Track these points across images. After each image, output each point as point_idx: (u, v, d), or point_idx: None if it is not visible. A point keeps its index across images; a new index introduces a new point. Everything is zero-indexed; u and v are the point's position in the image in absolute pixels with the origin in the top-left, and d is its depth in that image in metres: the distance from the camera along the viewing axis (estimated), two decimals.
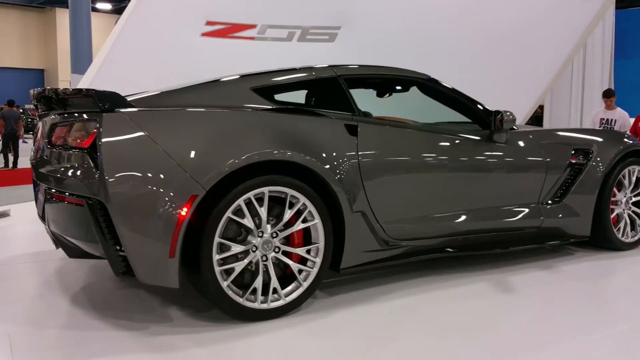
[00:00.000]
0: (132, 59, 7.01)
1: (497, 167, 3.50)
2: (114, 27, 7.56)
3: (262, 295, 2.63)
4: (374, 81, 3.67)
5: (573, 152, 3.84)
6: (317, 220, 2.74)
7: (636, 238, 4.14)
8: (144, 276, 2.43)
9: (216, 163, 2.46)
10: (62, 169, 2.58)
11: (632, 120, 8.09)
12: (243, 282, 2.65)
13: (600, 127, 8.12)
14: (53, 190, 2.64)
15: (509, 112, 3.39)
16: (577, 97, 12.75)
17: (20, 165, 12.58)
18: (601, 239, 4.03)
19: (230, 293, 2.55)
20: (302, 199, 2.69)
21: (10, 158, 13.11)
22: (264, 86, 2.98)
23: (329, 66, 3.23)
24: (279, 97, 3.11)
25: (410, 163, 3.17)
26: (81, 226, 2.52)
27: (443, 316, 2.79)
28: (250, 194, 2.55)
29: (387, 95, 3.89)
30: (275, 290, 2.67)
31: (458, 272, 3.45)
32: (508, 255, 3.81)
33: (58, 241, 2.81)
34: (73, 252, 2.77)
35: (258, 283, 2.61)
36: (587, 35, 7.44)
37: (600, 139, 4.01)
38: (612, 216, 3.97)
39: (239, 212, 2.56)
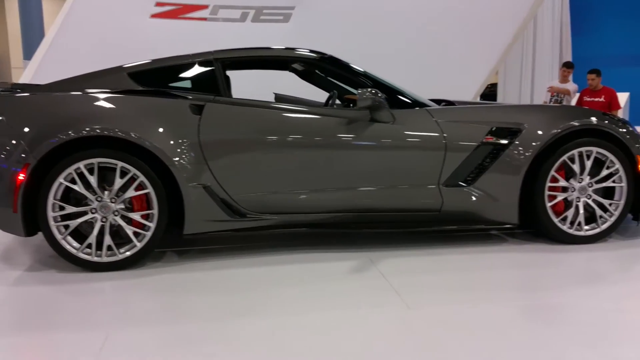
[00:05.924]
0: (80, 42, 6.89)
1: (375, 146, 3.39)
2: (62, 9, 7.31)
3: (97, 250, 3.14)
4: (261, 63, 3.80)
5: (494, 130, 3.49)
6: (150, 190, 3.13)
7: (593, 232, 3.58)
8: (1, 226, 3.14)
9: (45, 138, 3.02)
10: None
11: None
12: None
13: (551, 99, 7.69)
14: None
15: (366, 91, 3.26)
16: (527, 73, 12.42)
17: None
18: (539, 228, 3.61)
19: (65, 245, 3.10)
20: (133, 170, 3.10)
21: None
22: (138, 72, 3.42)
23: (209, 52, 3.52)
24: (155, 81, 3.45)
25: (262, 141, 3.30)
26: None
27: (247, 284, 3.00)
28: (80, 164, 3.05)
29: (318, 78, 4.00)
30: (110, 247, 3.16)
31: (330, 250, 3.51)
32: (389, 238, 3.72)
33: None
34: None
35: (92, 239, 3.11)
36: (536, 7, 6.91)
37: (536, 117, 3.54)
38: (551, 203, 3.50)
39: (79, 178, 3.08)
